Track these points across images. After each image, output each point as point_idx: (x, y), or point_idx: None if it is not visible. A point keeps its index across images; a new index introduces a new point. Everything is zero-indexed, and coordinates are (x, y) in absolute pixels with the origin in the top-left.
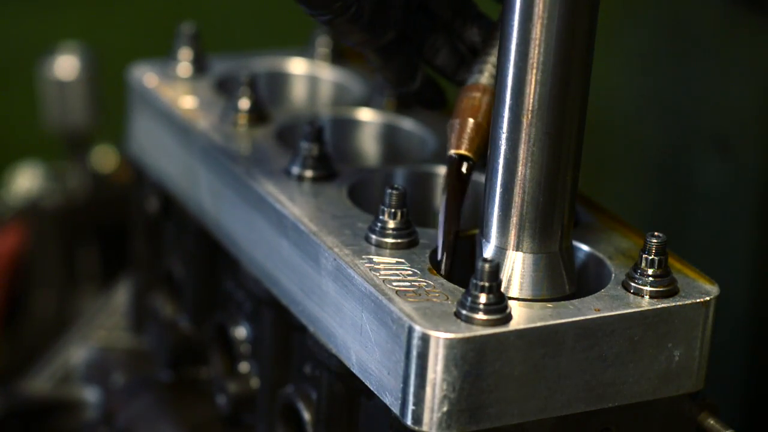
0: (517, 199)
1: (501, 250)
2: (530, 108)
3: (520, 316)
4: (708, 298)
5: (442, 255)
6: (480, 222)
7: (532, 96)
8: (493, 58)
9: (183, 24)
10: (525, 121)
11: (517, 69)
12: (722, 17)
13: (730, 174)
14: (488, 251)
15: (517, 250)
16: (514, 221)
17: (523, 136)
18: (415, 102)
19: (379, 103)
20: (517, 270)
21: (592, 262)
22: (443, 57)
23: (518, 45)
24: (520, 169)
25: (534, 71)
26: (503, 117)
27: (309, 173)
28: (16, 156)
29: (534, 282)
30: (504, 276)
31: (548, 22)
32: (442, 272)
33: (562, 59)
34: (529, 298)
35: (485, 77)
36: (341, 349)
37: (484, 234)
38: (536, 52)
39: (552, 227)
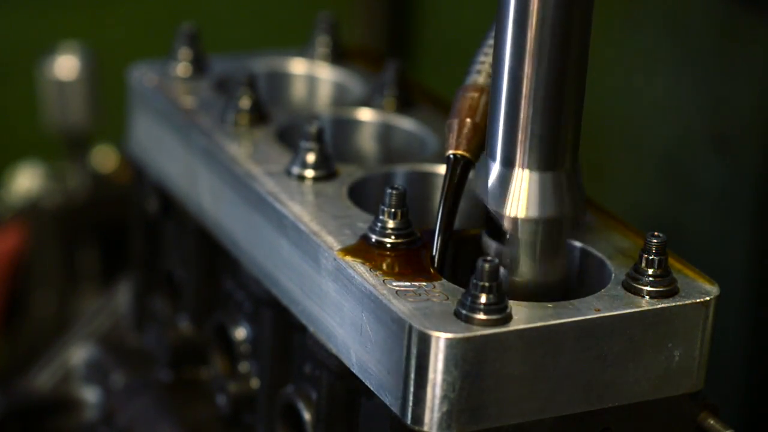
0: (523, 115)
1: (507, 169)
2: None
3: (520, 316)
4: (708, 298)
5: (435, 253)
6: (486, 143)
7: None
8: (490, 59)
9: (183, 24)
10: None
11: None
12: (722, 17)
13: (730, 174)
14: (494, 170)
15: (523, 168)
16: (521, 138)
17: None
18: None
19: (379, 103)
20: (523, 189)
21: (592, 262)
22: None
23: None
24: (526, 83)
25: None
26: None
27: (309, 173)
28: (16, 156)
29: (540, 200)
30: (510, 195)
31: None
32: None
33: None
34: (534, 217)
35: (483, 77)
36: (341, 349)
37: (490, 153)
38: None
39: (558, 145)
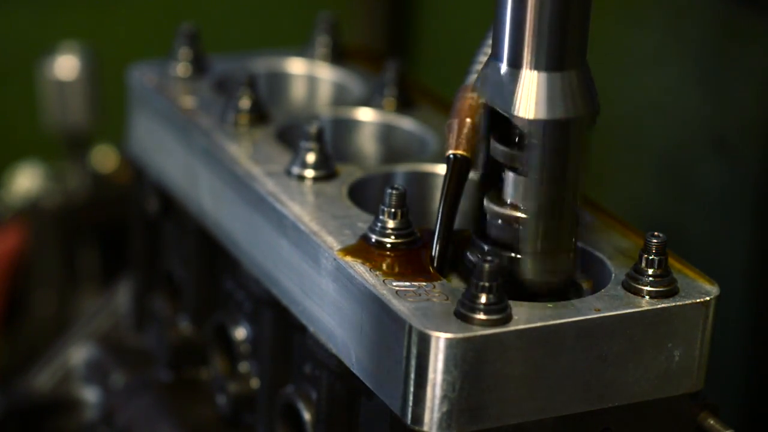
0: (530, 15)
1: (514, 70)
2: None
3: (520, 316)
4: (708, 298)
5: (435, 253)
6: (493, 45)
7: None
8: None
9: (183, 24)
10: None
11: None
12: (722, 17)
13: (730, 174)
14: (503, 70)
15: (531, 68)
16: (528, 38)
17: None
18: None
19: (379, 103)
20: (532, 89)
21: (592, 262)
22: None
23: None
24: None
25: None
26: None
27: (309, 173)
28: (16, 156)
29: (549, 101)
30: (518, 95)
31: None
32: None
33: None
34: (543, 118)
35: None
36: (341, 349)
37: (497, 55)
38: None
39: (567, 44)
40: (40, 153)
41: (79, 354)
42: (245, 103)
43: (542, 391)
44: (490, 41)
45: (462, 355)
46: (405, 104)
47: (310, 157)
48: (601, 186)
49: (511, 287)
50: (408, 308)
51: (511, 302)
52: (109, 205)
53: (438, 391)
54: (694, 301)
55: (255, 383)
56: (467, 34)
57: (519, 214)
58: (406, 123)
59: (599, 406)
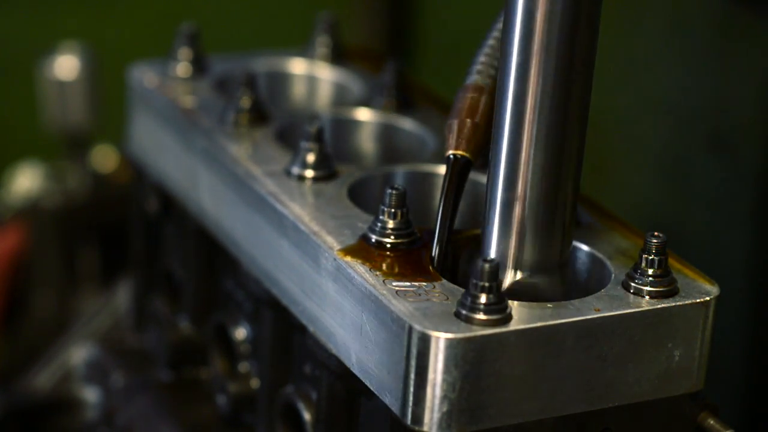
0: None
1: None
2: (532, 107)
3: (520, 316)
4: (708, 298)
5: (435, 253)
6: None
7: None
8: (490, 59)
9: (183, 24)
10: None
11: (519, 73)
12: (722, 17)
13: (730, 174)
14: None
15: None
16: (514, 237)
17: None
18: None
19: (379, 103)
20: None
21: (592, 262)
22: None
23: (519, 51)
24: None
25: (535, 77)
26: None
27: (309, 173)
28: (16, 156)
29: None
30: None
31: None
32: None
33: (564, 64)
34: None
35: (483, 77)
36: (341, 349)
37: (483, 251)
38: (537, 59)
39: (552, 243)
40: (40, 153)
41: (79, 354)
42: (245, 103)
43: (542, 391)
44: (490, 41)
45: (462, 355)
46: (405, 104)
47: (310, 157)
48: (601, 186)
49: None
50: (408, 308)
51: (511, 302)
52: (109, 205)
53: (438, 392)
54: (694, 301)
55: (255, 383)
56: (467, 34)
57: None
58: (406, 123)
59: (599, 406)
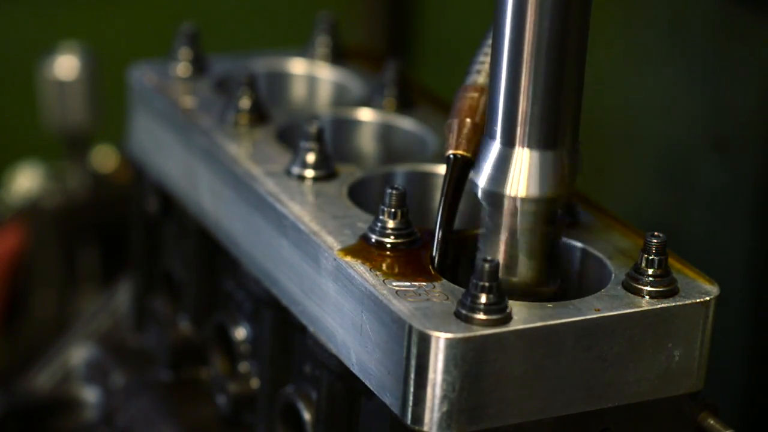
0: (523, 95)
1: (507, 148)
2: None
3: (520, 316)
4: (708, 298)
5: (435, 253)
6: (486, 122)
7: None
8: (489, 58)
9: (183, 24)
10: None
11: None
12: (722, 17)
13: (730, 174)
14: (494, 149)
15: (523, 147)
16: (521, 118)
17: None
18: None
19: (379, 103)
20: (524, 168)
21: (592, 262)
22: None
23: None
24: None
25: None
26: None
27: (309, 173)
28: (16, 156)
29: (539, 179)
30: (511, 174)
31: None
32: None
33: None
34: (535, 197)
35: (482, 77)
36: (341, 349)
37: (489, 132)
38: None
39: (559, 124)
40: (40, 153)
41: (79, 354)
42: (245, 103)
43: (542, 391)
44: (490, 41)
45: (462, 355)
46: (405, 104)
47: (310, 157)
48: (601, 186)
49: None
50: (408, 308)
51: (511, 302)
52: (109, 205)
53: (438, 391)
54: (694, 301)
55: (255, 383)
56: (467, 34)
57: None
58: (406, 123)
59: (599, 406)
